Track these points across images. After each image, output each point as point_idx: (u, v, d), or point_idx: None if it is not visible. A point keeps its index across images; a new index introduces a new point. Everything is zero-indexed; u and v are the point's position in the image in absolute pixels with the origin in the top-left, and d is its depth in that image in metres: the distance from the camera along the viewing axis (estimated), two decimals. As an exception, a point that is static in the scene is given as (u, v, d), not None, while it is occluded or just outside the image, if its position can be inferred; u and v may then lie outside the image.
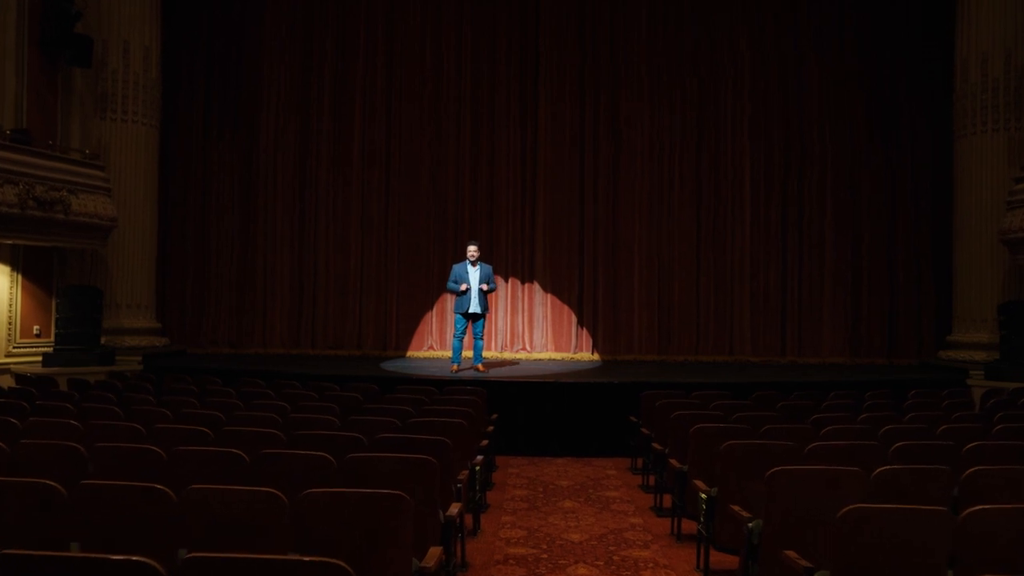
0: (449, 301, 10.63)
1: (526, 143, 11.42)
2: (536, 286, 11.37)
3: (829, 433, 4.68)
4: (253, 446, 3.82)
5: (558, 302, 11.34)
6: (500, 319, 11.34)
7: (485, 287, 8.85)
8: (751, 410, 6.02)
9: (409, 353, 11.34)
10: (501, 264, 11.24)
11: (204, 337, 11.44)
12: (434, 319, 11.43)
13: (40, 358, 9.01)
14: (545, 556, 4.76)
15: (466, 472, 4.52)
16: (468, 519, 5.02)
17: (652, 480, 6.55)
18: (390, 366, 9.92)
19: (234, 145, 11.58)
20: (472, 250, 8.93)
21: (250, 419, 4.96)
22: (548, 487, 6.64)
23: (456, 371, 8.94)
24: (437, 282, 10.98)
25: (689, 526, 5.06)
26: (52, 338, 9.26)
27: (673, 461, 5.14)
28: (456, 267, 8.99)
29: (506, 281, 11.36)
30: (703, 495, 4.25)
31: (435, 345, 11.35)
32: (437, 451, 3.91)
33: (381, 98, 11.52)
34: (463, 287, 8.72)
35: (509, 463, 7.60)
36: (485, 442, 5.93)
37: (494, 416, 7.27)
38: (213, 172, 11.56)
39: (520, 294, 11.39)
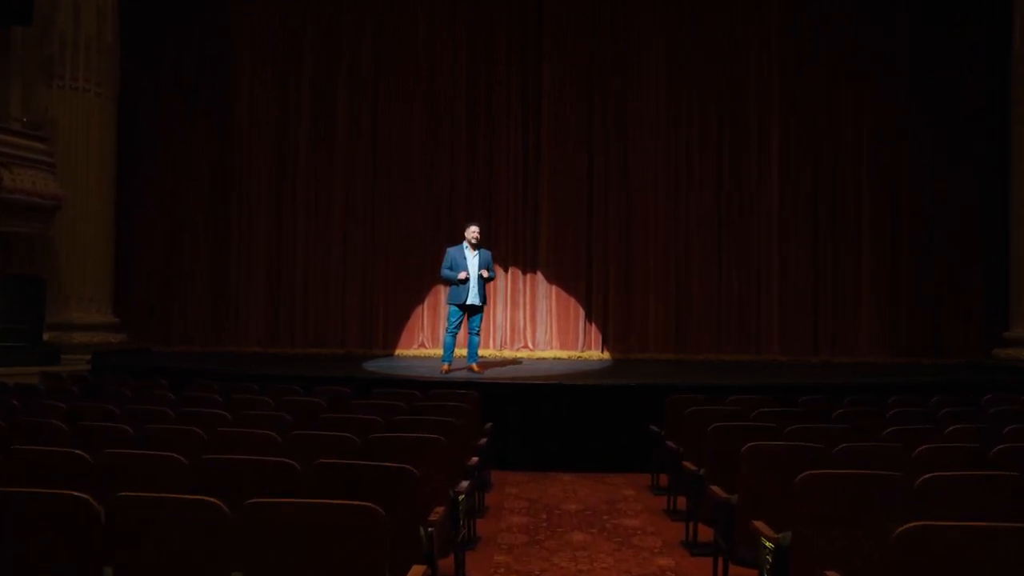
0: (442, 294, 9.49)
1: (528, 112, 10.24)
2: (539, 276, 10.19)
3: (932, 456, 3.51)
4: (124, 481, 2.66)
5: (564, 294, 10.16)
6: (499, 313, 10.17)
7: (485, 274, 7.68)
8: (805, 420, 4.86)
9: (398, 351, 10.18)
10: (500, 251, 10.07)
11: (172, 334, 10.30)
12: (425, 314, 10.26)
13: (-30, 357, 7.88)
14: (550, 616, 3.59)
15: (441, 511, 3.34)
16: (447, 563, 3.85)
17: (679, 501, 5.40)
18: (373, 366, 8.76)
19: (206, 121, 10.42)
20: (473, 231, 7.76)
21: (159, 438, 3.79)
22: (553, 512, 5.46)
23: (447, 371, 7.77)
24: (429, 273, 9.80)
25: (740, 573, 3.88)
26: (-15, 334, 8.13)
27: (717, 490, 3.96)
28: (451, 251, 7.83)
29: (506, 271, 10.19)
30: (768, 543, 3.08)
31: (426, 343, 10.18)
32: (393, 488, 2.75)
33: (368, 66, 10.35)
34: (462, 275, 7.56)
35: (507, 480, 6.43)
36: (475, 459, 4.76)
37: (488, 425, 6.10)
38: (182, 151, 10.42)
39: (521, 285, 10.22)
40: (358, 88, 10.36)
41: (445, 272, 7.75)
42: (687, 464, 4.76)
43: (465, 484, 4.03)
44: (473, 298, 7.66)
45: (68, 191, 8.63)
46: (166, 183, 10.37)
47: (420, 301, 10.26)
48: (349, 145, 10.35)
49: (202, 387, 6.23)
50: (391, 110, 10.33)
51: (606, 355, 10.06)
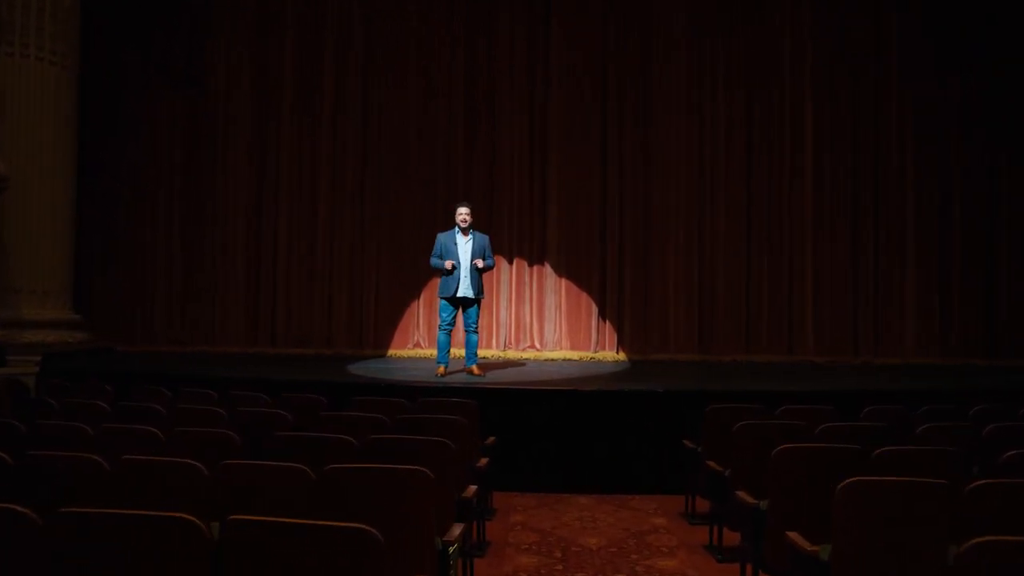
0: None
1: (535, 89, 9.22)
2: (547, 268, 9.17)
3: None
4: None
5: (575, 288, 9.14)
6: (503, 309, 9.15)
7: (480, 263, 6.67)
8: (891, 439, 3.85)
9: (390, 352, 9.17)
10: (504, 240, 9.07)
11: (139, 333, 9.30)
12: (421, 310, 9.25)
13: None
14: None
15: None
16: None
17: (724, 534, 4.41)
18: (360, 368, 7.75)
19: (179, 96, 9.41)
20: (463, 213, 6.76)
21: (42, 469, 2.79)
22: (569, 550, 4.45)
23: (443, 374, 6.77)
24: (425, 264, 8.65)
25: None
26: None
27: (796, 538, 2.95)
28: (442, 237, 6.83)
29: (510, 263, 9.18)
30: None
31: (422, 342, 9.17)
32: (350, 566, 1.74)
33: (357, 35, 9.35)
34: (448, 264, 6.57)
35: (512, 505, 5.43)
36: (472, 489, 3.75)
37: (490, 441, 5.10)
38: (153, 129, 9.41)
39: (528, 278, 9.20)
40: (345, 59, 9.35)
41: (434, 261, 6.76)
42: (743, 496, 3.75)
43: (458, 530, 3.03)
44: (464, 289, 6.65)
45: (18, 171, 7.63)
46: (135, 165, 9.37)
47: (415, 296, 9.25)
48: (336, 121, 9.33)
49: (150, 395, 5.26)
50: (382, 84, 9.31)
51: (621, 356, 9.04)
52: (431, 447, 3.44)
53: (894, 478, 2.80)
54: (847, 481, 2.74)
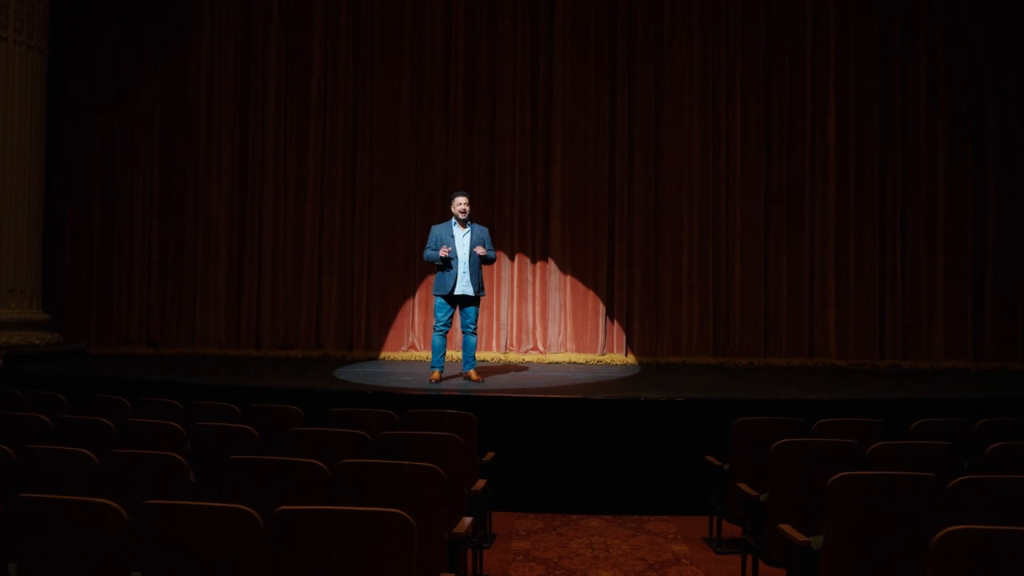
0: (436, 285, 7.84)
1: (538, 71, 8.60)
2: (551, 265, 8.56)
3: None
4: None
5: (581, 286, 8.53)
6: (503, 309, 8.54)
7: (481, 249, 6.05)
8: (959, 461, 3.25)
9: (383, 354, 8.56)
10: (505, 235, 8.46)
11: (114, 334, 8.70)
12: (416, 309, 8.64)
13: None
14: None
15: None
16: None
17: (756, 566, 3.80)
18: (347, 373, 7.14)
19: (156, 77, 8.81)
20: (461, 203, 6.16)
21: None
22: (580, 586, 3.85)
23: (437, 380, 6.16)
24: (419, 260, 8.09)
25: None
26: None
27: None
28: (436, 229, 6.23)
29: (512, 259, 8.57)
30: None
31: (417, 344, 8.56)
32: None
33: (346, 11, 8.74)
34: (444, 250, 5.96)
35: (513, 528, 4.83)
36: (467, 522, 3.14)
37: (488, 457, 4.50)
38: (130, 116, 8.80)
39: (530, 276, 8.59)
40: (335, 38, 8.74)
41: (427, 254, 6.15)
42: (788, 531, 3.14)
43: (448, 585, 2.43)
44: (463, 286, 6.04)
45: (-22, 159, 7.06)
46: (111, 154, 8.77)
47: (410, 295, 8.65)
48: (325, 106, 8.72)
49: (104, 407, 4.65)
50: (373, 66, 8.70)
51: (631, 359, 8.43)
52: (416, 476, 2.84)
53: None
54: (950, 532, 2.14)
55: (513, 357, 8.40)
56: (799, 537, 3.03)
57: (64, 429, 3.87)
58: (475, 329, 6.28)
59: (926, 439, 3.98)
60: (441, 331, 6.18)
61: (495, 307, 8.48)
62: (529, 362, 8.25)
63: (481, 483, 3.90)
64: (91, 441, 3.54)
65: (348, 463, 2.95)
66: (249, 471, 2.93)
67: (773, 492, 3.57)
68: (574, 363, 8.28)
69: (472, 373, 6.27)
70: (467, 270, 6.04)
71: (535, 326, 8.54)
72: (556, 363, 8.25)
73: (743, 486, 3.91)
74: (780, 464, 3.57)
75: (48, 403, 4.73)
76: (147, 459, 3.05)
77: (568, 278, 8.53)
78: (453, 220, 6.18)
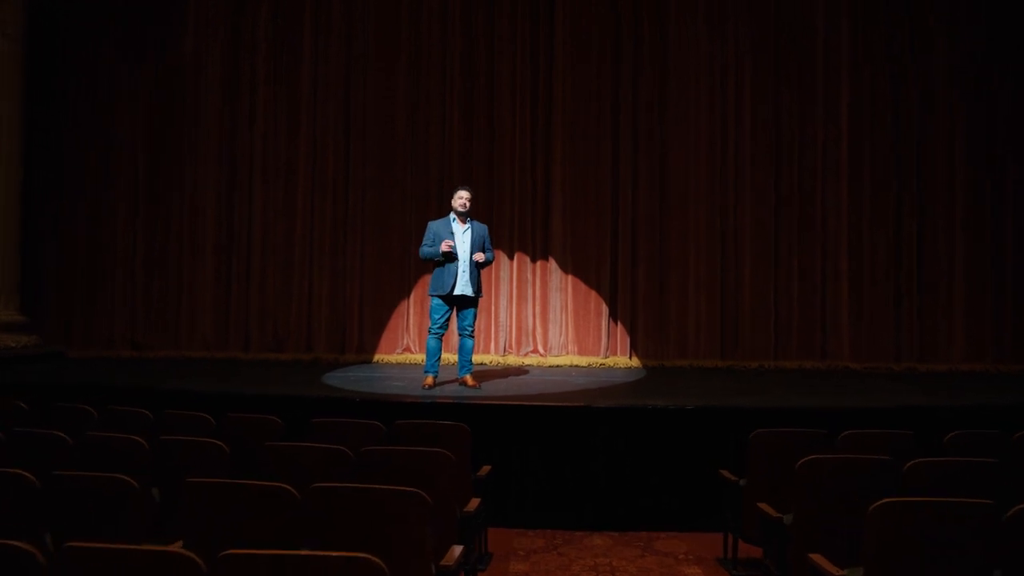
0: (432, 285, 7.48)
1: (538, 62, 8.23)
2: (552, 264, 8.20)
3: None
4: None
5: (583, 286, 8.17)
6: (502, 310, 8.18)
7: (481, 256, 5.71)
8: (1008, 478, 2.90)
9: (376, 357, 8.20)
10: (504, 232, 8.10)
11: (95, 336, 8.35)
12: (411, 310, 8.28)
13: None
14: None
15: None
16: None
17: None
18: (338, 378, 6.78)
19: (142, 69, 8.46)
20: (463, 197, 5.81)
21: None
22: (585, 618, 3.49)
23: (431, 385, 5.81)
24: (415, 258, 7.70)
25: None
26: None
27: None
28: (434, 225, 5.88)
29: (511, 257, 8.21)
30: None
31: (412, 346, 8.20)
32: None
33: (339, 3, 8.39)
34: (445, 245, 5.61)
35: (511, 546, 4.47)
36: (457, 552, 2.78)
37: (484, 472, 4.14)
38: (112, 107, 8.44)
39: (531, 275, 8.23)
40: (327, 25, 8.38)
41: (424, 250, 5.79)
42: (820, 562, 2.78)
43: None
44: (463, 286, 5.69)
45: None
46: (92, 148, 8.42)
47: (405, 295, 8.29)
48: (316, 96, 8.37)
49: (67, 416, 4.31)
50: (367, 55, 8.34)
51: (635, 362, 8.07)
52: (397, 503, 2.49)
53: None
54: None
55: (512, 360, 8.03)
56: (834, 571, 2.67)
57: (14, 444, 3.52)
58: (473, 332, 5.93)
59: (965, 454, 3.63)
60: (437, 333, 5.82)
61: (493, 308, 8.12)
62: (529, 365, 7.89)
63: (475, 502, 3.55)
64: (41, 459, 3.20)
65: (320, 488, 2.59)
66: (207, 496, 2.58)
67: (798, 514, 3.21)
68: (576, 366, 7.92)
69: (469, 378, 5.91)
70: (467, 269, 5.70)
71: (535, 328, 8.18)
72: (557, 366, 7.89)
73: (764, 506, 3.56)
74: (806, 484, 3.22)
75: (4, 412, 4.38)
76: (94, 483, 2.69)
77: (569, 278, 8.17)
78: (452, 216, 5.83)
